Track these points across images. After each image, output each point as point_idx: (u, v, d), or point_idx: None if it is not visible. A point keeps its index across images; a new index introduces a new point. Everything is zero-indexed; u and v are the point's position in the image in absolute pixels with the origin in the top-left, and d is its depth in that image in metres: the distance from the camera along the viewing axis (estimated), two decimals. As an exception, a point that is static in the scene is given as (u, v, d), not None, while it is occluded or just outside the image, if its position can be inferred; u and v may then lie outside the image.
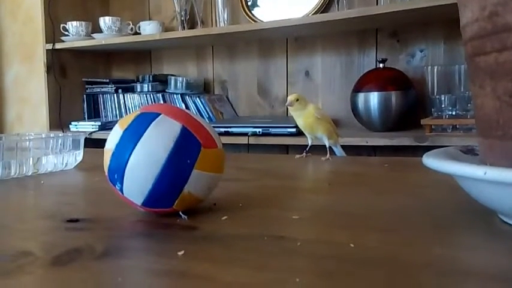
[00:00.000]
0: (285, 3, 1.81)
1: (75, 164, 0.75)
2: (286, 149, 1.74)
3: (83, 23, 1.98)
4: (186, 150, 0.39)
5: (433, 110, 1.44)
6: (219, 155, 0.42)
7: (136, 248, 0.35)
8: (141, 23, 1.98)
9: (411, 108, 1.49)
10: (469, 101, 1.34)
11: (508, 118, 0.34)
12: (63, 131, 1.89)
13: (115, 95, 2.03)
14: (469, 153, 0.44)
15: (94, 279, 0.29)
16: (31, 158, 0.67)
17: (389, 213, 0.42)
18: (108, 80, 2.07)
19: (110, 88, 2.04)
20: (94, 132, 1.84)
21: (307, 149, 0.76)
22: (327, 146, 0.74)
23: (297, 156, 0.75)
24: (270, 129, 1.55)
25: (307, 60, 1.83)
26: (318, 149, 0.78)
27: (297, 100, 0.72)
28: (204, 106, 1.84)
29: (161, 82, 1.99)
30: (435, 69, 1.49)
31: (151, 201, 0.39)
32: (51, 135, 0.74)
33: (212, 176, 0.41)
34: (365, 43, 1.72)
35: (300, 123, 0.74)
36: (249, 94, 1.96)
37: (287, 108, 0.79)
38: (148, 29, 1.95)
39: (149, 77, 2.00)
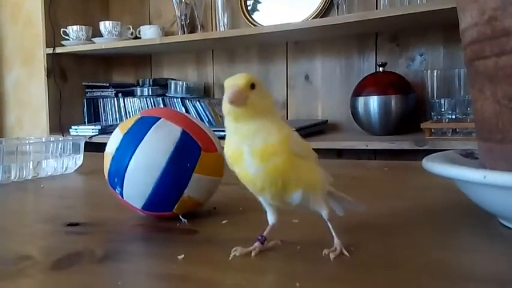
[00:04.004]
0: (285, 8, 1.82)
1: (75, 168, 0.75)
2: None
3: (83, 27, 1.98)
4: (186, 154, 0.39)
5: (432, 113, 1.44)
6: (219, 159, 0.42)
7: (136, 251, 0.35)
8: (142, 27, 1.98)
9: (411, 112, 1.49)
10: (469, 104, 1.34)
11: (507, 122, 0.34)
12: (63, 135, 1.89)
13: (115, 99, 2.04)
14: (468, 157, 0.44)
15: (94, 283, 0.29)
16: (31, 162, 0.68)
17: (390, 216, 0.42)
18: (108, 84, 2.07)
19: (110, 92, 2.04)
20: (94, 136, 1.84)
21: (264, 233, 0.33)
22: (326, 218, 0.33)
23: (237, 252, 0.31)
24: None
25: (307, 64, 1.83)
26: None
27: (253, 87, 0.30)
28: (204, 110, 1.84)
29: (161, 86, 1.99)
30: (435, 73, 1.50)
31: (152, 205, 0.39)
32: (51, 139, 0.74)
33: (212, 179, 0.41)
34: (365, 47, 1.72)
35: (248, 163, 0.30)
36: (249, 98, 1.96)
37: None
38: (149, 33, 1.95)
39: (149, 81, 2.00)
